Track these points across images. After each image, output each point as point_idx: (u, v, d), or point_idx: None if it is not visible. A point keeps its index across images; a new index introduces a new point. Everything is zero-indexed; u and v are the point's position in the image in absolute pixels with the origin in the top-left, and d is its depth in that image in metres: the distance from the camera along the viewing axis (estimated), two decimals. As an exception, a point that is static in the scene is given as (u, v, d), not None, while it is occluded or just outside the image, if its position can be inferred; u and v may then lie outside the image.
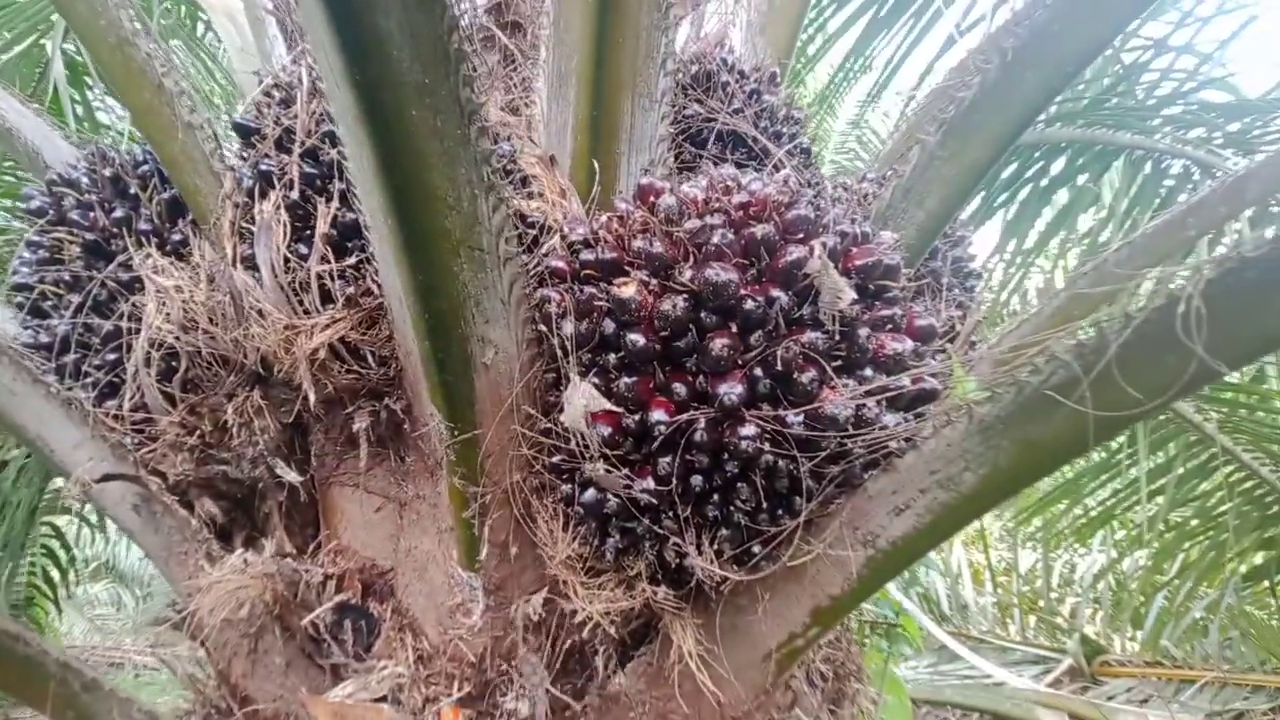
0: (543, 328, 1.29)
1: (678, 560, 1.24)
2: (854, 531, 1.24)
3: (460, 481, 1.36)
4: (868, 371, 1.15)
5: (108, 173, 1.76)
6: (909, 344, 1.17)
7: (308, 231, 1.44)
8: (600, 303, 1.21)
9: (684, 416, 1.13)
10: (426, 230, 1.11)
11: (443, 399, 1.30)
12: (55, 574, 5.44)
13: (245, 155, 1.53)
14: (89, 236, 1.70)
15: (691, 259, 1.16)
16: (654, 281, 1.18)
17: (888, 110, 6.72)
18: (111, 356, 1.66)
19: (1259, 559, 4.49)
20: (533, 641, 1.44)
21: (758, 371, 1.12)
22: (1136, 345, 0.92)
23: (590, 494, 1.24)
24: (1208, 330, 0.84)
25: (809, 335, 1.11)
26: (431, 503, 1.54)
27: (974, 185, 1.59)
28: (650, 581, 1.32)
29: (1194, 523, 4.36)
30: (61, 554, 5.48)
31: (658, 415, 1.14)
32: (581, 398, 1.17)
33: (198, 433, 1.64)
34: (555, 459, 1.30)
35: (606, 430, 1.18)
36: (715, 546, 1.22)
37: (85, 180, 1.76)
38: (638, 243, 1.20)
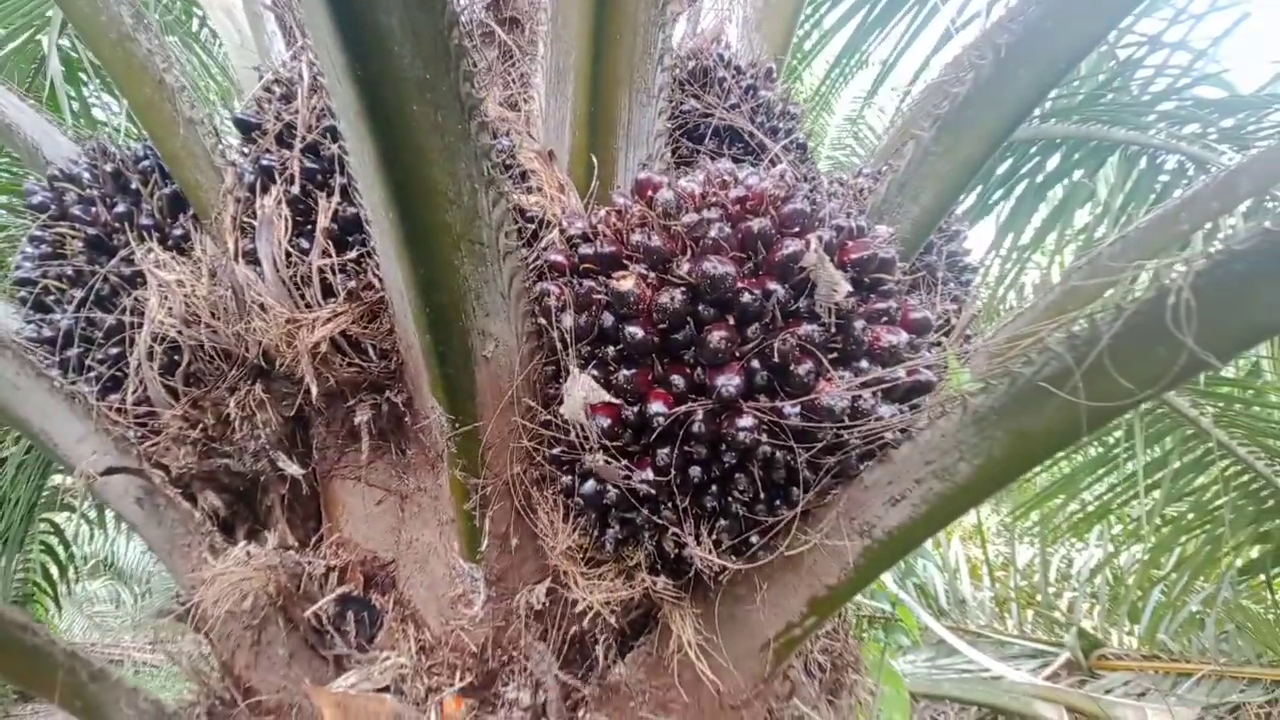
0: (542, 321, 1.30)
1: (677, 550, 1.26)
2: (850, 522, 1.25)
3: (461, 474, 1.38)
4: (863, 363, 1.17)
5: (109, 168, 1.76)
6: (904, 336, 1.18)
7: (309, 226, 1.45)
8: (599, 296, 1.23)
9: (682, 408, 1.14)
10: (427, 224, 1.12)
11: (444, 392, 1.31)
12: (54, 571, 5.45)
13: (246, 150, 1.54)
14: (91, 231, 1.71)
15: (689, 253, 1.17)
16: (652, 275, 1.19)
17: (884, 106, 6.73)
18: (114, 351, 1.67)
19: (1255, 553, 4.51)
20: (535, 631, 1.45)
21: (755, 363, 1.14)
22: (1127, 337, 0.94)
23: (590, 485, 1.26)
24: (1197, 322, 0.85)
25: (805, 328, 1.13)
26: (433, 495, 1.55)
27: (968, 180, 1.61)
28: (650, 571, 1.33)
29: (1190, 517, 4.38)
30: (60, 551, 5.49)
31: (656, 407, 1.16)
32: (581, 390, 1.19)
33: (200, 426, 1.65)
34: (555, 451, 1.32)
35: (606, 422, 1.19)
36: (714, 537, 1.23)
37: (87, 175, 1.77)
38: (636, 237, 1.21)
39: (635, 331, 1.18)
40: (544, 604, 1.44)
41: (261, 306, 1.44)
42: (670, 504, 1.22)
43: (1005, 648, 5.15)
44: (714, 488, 1.21)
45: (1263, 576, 4.59)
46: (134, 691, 1.40)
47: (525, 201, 1.43)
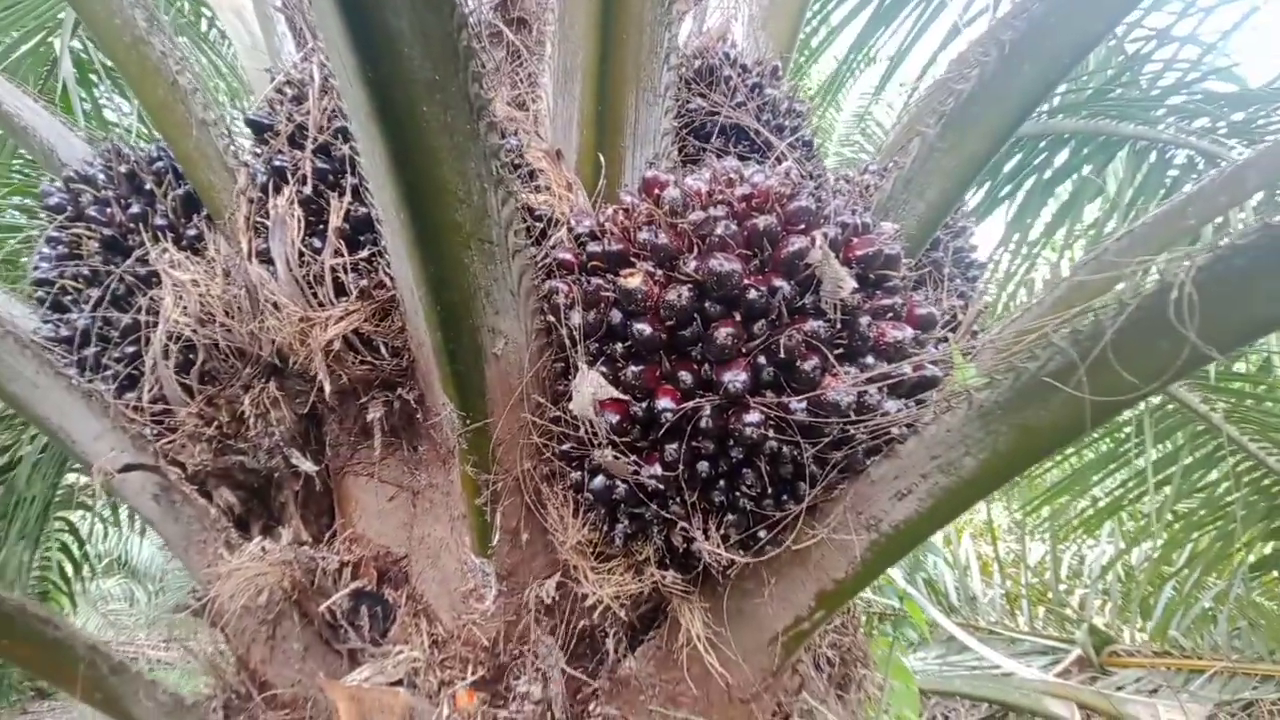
0: (551, 318, 1.31)
1: (685, 545, 1.27)
2: (857, 516, 1.26)
3: (472, 469, 1.39)
4: (869, 359, 1.17)
5: (124, 169, 1.79)
6: (909, 332, 1.19)
7: (321, 226, 1.47)
8: (607, 293, 1.24)
9: (690, 404, 1.16)
10: (437, 224, 1.14)
11: (454, 389, 1.33)
12: (69, 569, 5.50)
13: (259, 151, 1.56)
14: (106, 232, 1.73)
15: (696, 250, 1.18)
16: (659, 272, 1.20)
17: (892, 102, 6.72)
18: (130, 349, 1.69)
19: (1267, 549, 4.49)
20: (545, 625, 1.47)
21: (761, 359, 1.15)
22: (1131, 331, 0.95)
23: (599, 480, 1.27)
24: (1199, 316, 0.86)
25: (811, 324, 1.14)
26: (444, 491, 1.57)
27: (973, 177, 1.61)
28: (659, 566, 1.35)
29: (1202, 513, 4.36)
30: (75, 549, 5.53)
31: (664, 403, 1.17)
32: (590, 386, 1.20)
33: (215, 424, 1.67)
34: (565, 447, 1.33)
35: (614, 418, 1.20)
36: (722, 531, 1.25)
37: (102, 177, 1.79)
38: (643, 234, 1.22)
39: (643, 328, 1.19)
40: (554, 598, 1.46)
41: (275, 305, 1.46)
42: (678, 499, 1.23)
43: (1016, 644, 5.14)
44: (722, 483, 1.22)
45: (1275, 573, 4.57)
46: (153, 684, 1.42)
47: (534, 200, 1.45)
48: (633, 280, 1.19)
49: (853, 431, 1.15)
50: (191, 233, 1.74)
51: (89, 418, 1.70)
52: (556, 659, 1.44)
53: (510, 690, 1.48)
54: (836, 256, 1.14)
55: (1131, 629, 4.97)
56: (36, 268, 1.75)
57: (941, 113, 1.53)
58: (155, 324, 1.63)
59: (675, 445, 1.19)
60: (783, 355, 1.13)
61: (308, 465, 1.67)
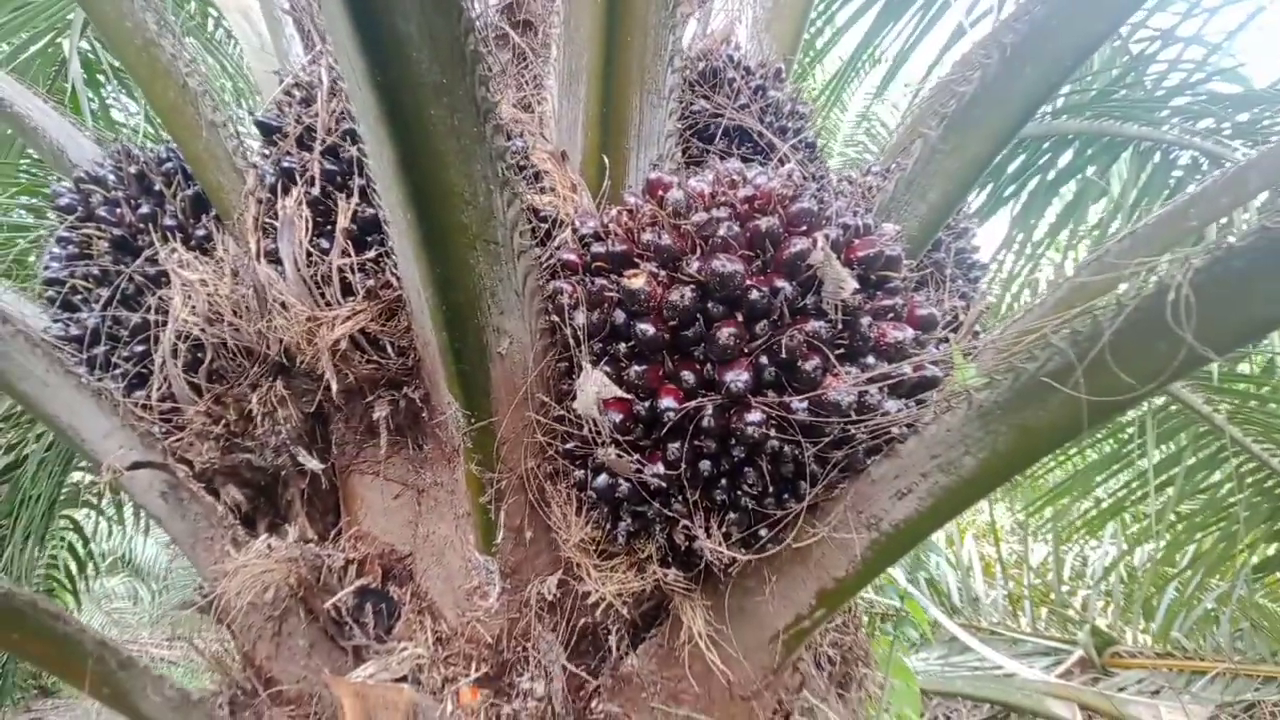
0: (555, 318, 1.33)
1: (687, 543, 1.28)
2: (858, 515, 1.28)
3: (477, 468, 1.41)
4: (870, 359, 1.19)
5: (133, 170, 1.81)
6: (910, 332, 1.20)
7: (329, 226, 1.48)
8: (611, 294, 1.25)
9: (692, 403, 1.17)
10: (444, 225, 1.15)
11: (460, 388, 1.34)
12: (74, 567, 5.52)
13: (267, 153, 1.57)
14: (116, 232, 1.75)
15: (699, 251, 1.20)
16: (663, 273, 1.21)
17: (897, 102, 6.72)
18: (139, 348, 1.71)
19: (1270, 550, 4.48)
20: (547, 622, 1.48)
21: (763, 359, 1.16)
22: (1128, 332, 0.96)
23: (602, 479, 1.28)
24: (1197, 317, 0.87)
25: (812, 324, 1.15)
26: (449, 489, 1.58)
27: (975, 178, 1.62)
28: (661, 564, 1.36)
29: (1204, 515, 4.36)
30: (80, 547, 5.56)
31: (667, 402, 1.18)
32: (593, 385, 1.21)
33: (223, 422, 1.69)
34: (568, 445, 1.35)
35: (618, 417, 1.22)
36: (723, 529, 1.26)
37: (112, 178, 1.81)
38: (647, 235, 1.24)
39: (646, 328, 1.20)
40: (556, 595, 1.47)
41: (283, 305, 1.48)
42: (681, 497, 1.24)
43: (1018, 645, 5.14)
44: (723, 481, 1.23)
45: (1278, 574, 4.57)
46: (160, 679, 1.44)
47: (539, 201, 1.46)
48: (636, 281, 1.20)
49: (853, 431, 1.17)
50: (200, 233, 1.75)
51: (98, 416, 1.72)
52: (558, 655, 1.45)
53: (513, 687, 1.49)
54: (838, 258, 1.15)
55: (1134, 630, 4.97)
56: (47, 267, 1.77)
57: (943, 115, 1.54)
58: (164, 323, 1.64)
59: (678, 444, 1.20)
60: (784, 355, 1.14)
61: (314, 463, 1.68)
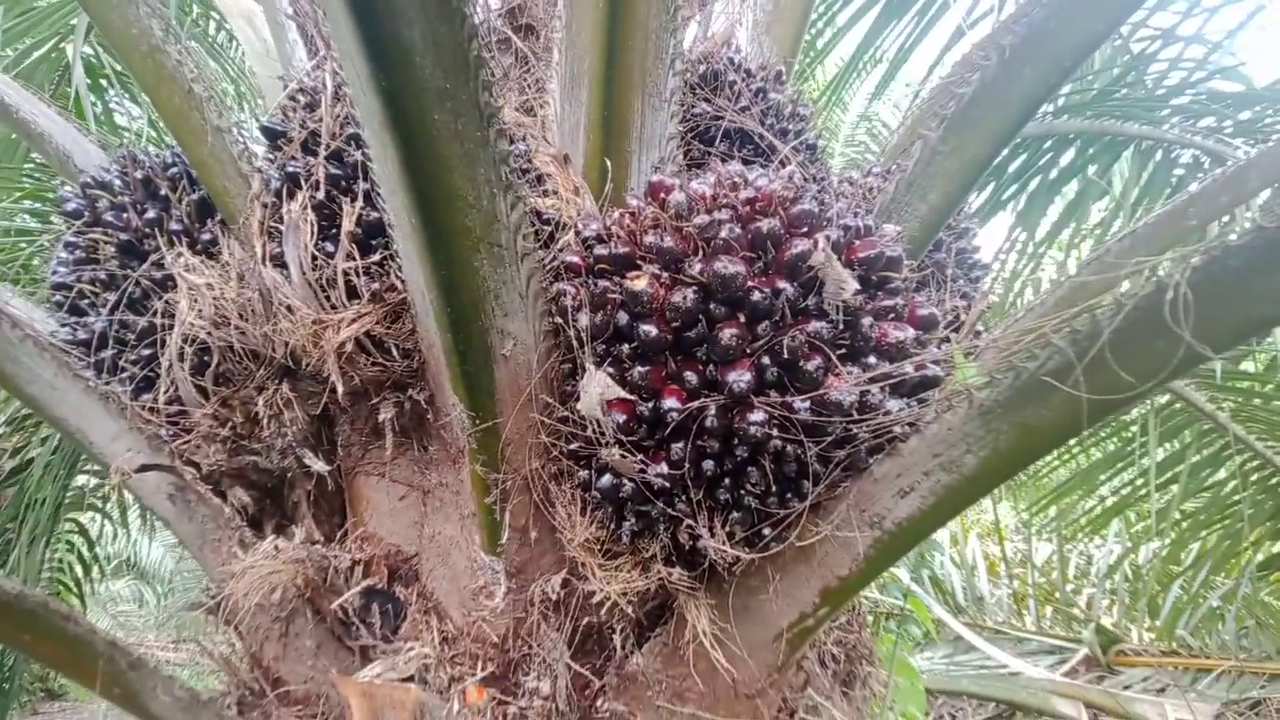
0: (559, 320, 1.34)
1: (691, 542, 1.29)
2: (861, 514, 1.28)
3: (482, 469, 1.42)
4: (871, 359, 1.19)
5: (139, 175, 1.82)
6: (911, 332, 1.21)
7: (334, 230, 1.49)
8: (614, 295, 1.26)
9: (695, 404, 1.18)
10: (448, 228, 1.17)
11: (464, 389, 1.36)
12: (79, 570, 5.54)
13: (272, 157, 1.58)
14: (123, 237, 1.76)
15: (701, 253, 1.21)
16: (665, 275, 1.22)
17: (899, 103, 6.73)
18: (146, 352, 1.72)
19: (1275, 548, 4.48)
20: (553, 621, 1.49)
21: (765, 360, 1.17)
22: (1127, 331, 0.97)
23: (607, 479, 1.29)
24: (1194, 316, 0.88)
25: (814, 325, 1.16)
26: (454, 490, 1.59)
27: (975, 179, 1.63)
28: (665, 563, 1.37)
29: (1209, 512, 4.36)
30: (85, 550, 5.57)
31: (670, 403, 1.19)
32: (597, 386, 1.22)
33: (230, 424, 1.70)
34: (573, 446, 1.36)
35: (621, 417, 1.23)
36: (727, 528, 1.27)
37: (118, 183, 1.82)
38: (649, 238, 1.25)
39: (649, 330, 1.21)
40: (561, 595, 1.48)
41: (288, 308, 1.49)
42: (684, 497, 1.25)
43: (1023, 644, 5.15)
44: (727, 481, 1.24)
45: (1283, 572, 4.56)
46: (170, 680, 1.45)
47: (542, 204, 1.47)
48: (639, 283, 1.21)
49: (855, 430, 1.17)
50: (206, 237, 1.77)
51: (106, 419, 1.73)
52: (563, 654, 1.46)
53: (519, 686, 1.50)
54: (839, 259, 1.16)
55: (1139, 628, 4.97)
56: (55, 272, 1.78)
57: (943, 116, 1.55)
58: (171, 327, 1.66)
59: (681, 444, 1.21)
60: (786, 356, 1.15)
61: (320, 465, 1.70)
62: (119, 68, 4.11)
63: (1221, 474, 4.16)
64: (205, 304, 1.63)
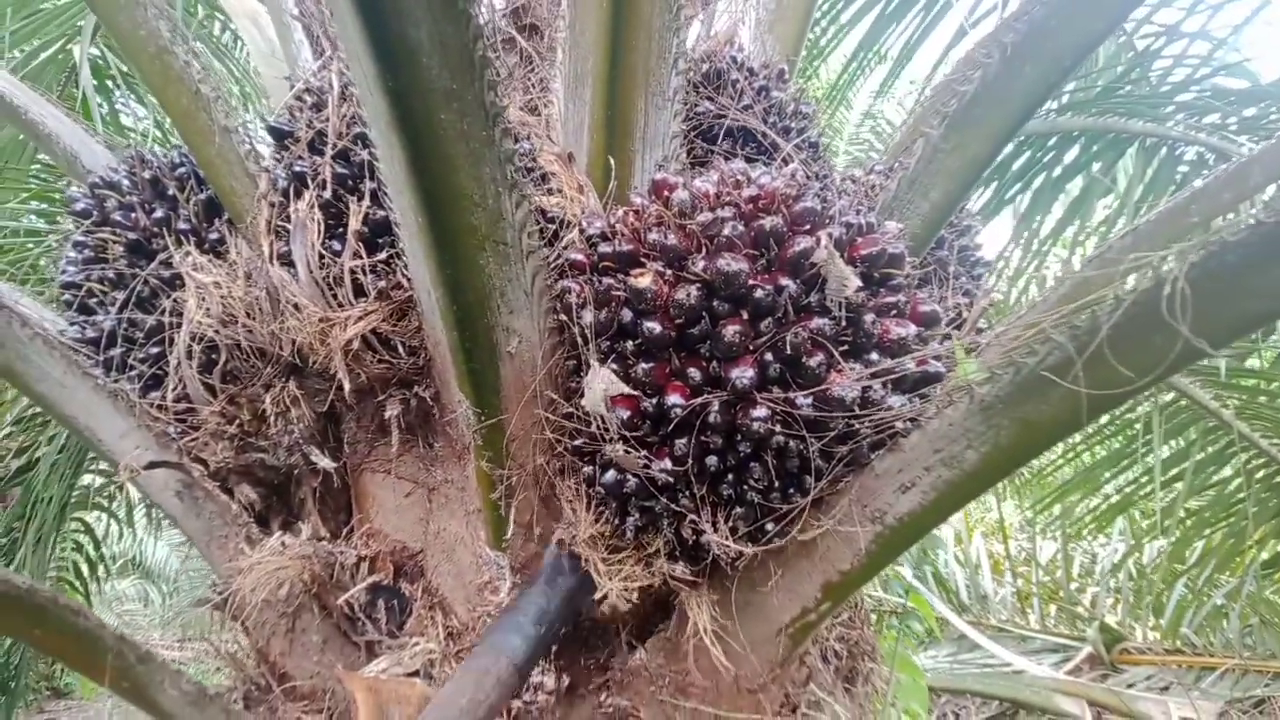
0: (564, 317, 1.35)
1: (694, 537, 1.30)
2: (862, 509, 1.29)
3: (487, 465, 1.43)
4: (873, 355, 1.20)
5: (147, 175, 1.83)
6: (912, 328, 1.22)
7: (340, 229, 1.51)
8: (618, 293, 1.27)
9: (699, 400, 1.19)
10: (454, 227, 1.18)
11: (470, 386, 1.37)
12: (85, 569, 5.57)
13: (280, 157, 1.60)
14: (131, 236, 1.78)
15: (704, 250, 1.21)
16: (669, 272, 1.23)
17: (903, 100, 6.73)
18: (155, 350, 1.74)
19: (1280, 546, 4.49)
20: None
21: (768, 356, 1.18)
22: (1126, 326, 0.97)
23: (611, 475, 1.30)
24: (1192, 311, 0.89)
25: (816, 321, 1.17)
26: (459, 486, 1.61)
27: (977, 177, 1.64)
28: (668, 558, 1.38)
29: (1213, 511, 4.36)
30: (91, 549, 5.61)
31: (674, 399, 1.20)
32: (601, 383, 1.23)
33: (237, 422, 1.72)
34: (577, 442, 1.36)
35: (625, 414, 1.24)
36: (730, 524, 1.27)
37: (126, 183, 1.84)
38: (653, 235, 1.25)
39: (653, 326, 1.22)
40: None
41: (295, 306, 1.51)
42: (688, 492, 1.26)
43: (1027, 642, 5.15)
44: (730, 476, 1.25)
45: (1287, 570, 4.56)
46: (178, 674, 1.47)
47: (546, 203, 1.48)
48: (643, 280, 1.22)
49: (857, 426, 1.18)
50: (214, 236, 1.78)
51: (115, 417, 1.75)
52: (567, 649, 1.47)
53: (524, 680, 1.51)
54: (841, 256, 1.17)
55: (1143, 626, 4.97)
56: (64, 271, 1.80)
57: (945, 114, 1.55)
58: (179, 325, 1.67)
59: (685, 440, 1.22)
60: (789, 352, 1.16)
61: (326, 462, 1.71)
62: (125, 68, 4.14)
63: (1226, 472, 4.16)
64: (213, 302, 1.64)
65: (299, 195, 1.50)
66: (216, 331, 1.64)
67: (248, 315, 1.63)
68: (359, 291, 1.50)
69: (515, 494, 1.44)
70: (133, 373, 1.75)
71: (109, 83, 4.24)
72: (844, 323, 1.18)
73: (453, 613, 1.60)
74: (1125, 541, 5.75)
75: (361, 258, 1.48)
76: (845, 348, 1.19)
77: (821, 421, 1.16)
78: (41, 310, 2.03)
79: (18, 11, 3.80)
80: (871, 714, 1.90)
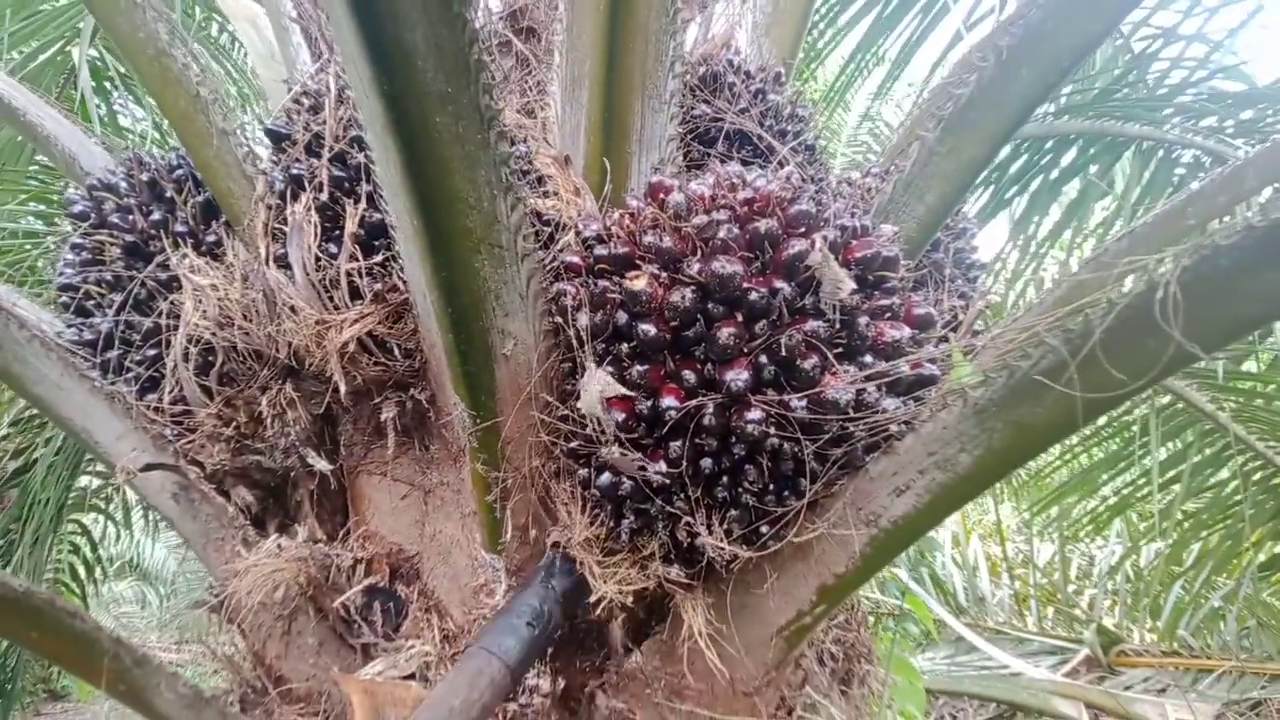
0: (559, 320, 1.35)
1: (689, 540, 1.30)
2: (857, 512, 1.29)
3: (482, 467, 1.43)
4: (868, 358, 1.20)
5: (145, 177, 1.83)
6: (907, 331, 1.22)
7: (337, 231, 1.51)
8: (613, 295, 1.27)
9: (693, 402, 1.19)
10: (449, 229, 1.18)
11: (465, 389, 1.37)
12: (82, 571, 5.56)
13: (277, 159, 1.60)
14: (128, 238, 1.78)
15: (699, 253, 1.22)
16: (664, 275, 1.23)
17: (901, 103, 6.74)
18: (152, 352, 1.74)
19: (1277, 548, 4.48)
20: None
21: (762, 359, 1.18)
22: (1119, 330, 0.97)
23: (606, 477, 1.30)
24: (1184, 315, 0.89)
25: (811, 324, 1.17)
26: (455, 489, 1.61)
27: (973, 180, 1.64)
28: (663, 561, 1.38)
29: (1210, 512, 4.36)
30: (88, 551, 5.60)
31: (668, 401, 1.20)
32: (597, 385, 1.23)
33: (233, 424, 1.72)
34: (572, 444, 1.36)
35: (620, 416, 1.24)
36: (725, 526, 1.28)
37: (123, 185, 1.84)
38: (648, 238, 1.26)
39: (648, 329, 1.23)
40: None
41: (292, 309, 1.51)
42: (683, 495, 1.26)
43: (1024, 644, 5.15)
44: (724, 479, 1.25)
45: (1284, 572, 4.56)
46: (174, 677, 1.46)
47: (542, 205, 1.48)
48: (638, 282, 1.23)
49: (852, 429, 1.18)
50: (211, 239, 1.78)
51: (111, 419, 1.75)
52: (562, 652, 1.47)
53: (519, 683, 1.52)
54: (836, 258, 1.17)
55: (1140, 629, 4.97)
56: (61, 273, 1.80)
57: (940, 117, 1.56)
58: (176, 327, 1.67)
59: (679, 442, 1.22)
60: (783, 354, 1.16)
61: (323, 464, 1.71)
62: (124, 70, 4.14)
63: (1223, 474, 4.16)
64: (210, 305, 1.64)
65: (296, 198, 1.51)
66: (213, 334, 1.64)
67: (244, 317, 1.63)
68: (355, 294, 1.50)
69: (510, 496, 1.45)
70: (130, 375, 1.75)
71: (107, 84, 4.25)
72: (838, 325, 1.19)
73: (448, 615, 1.60)
74: (1122, 544, 5.76)
75: (358, 260, 1.48)
76: (840, 350, 1.20)
77: (816, 424, 1.17)
78: (39, 312, 2.03)
79: (17, 13, 3.80)
80: (868, 716, 1.90)
